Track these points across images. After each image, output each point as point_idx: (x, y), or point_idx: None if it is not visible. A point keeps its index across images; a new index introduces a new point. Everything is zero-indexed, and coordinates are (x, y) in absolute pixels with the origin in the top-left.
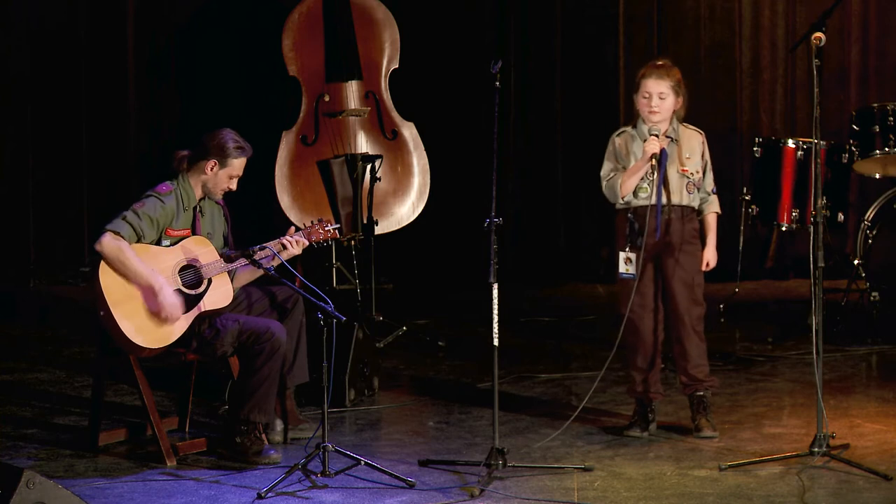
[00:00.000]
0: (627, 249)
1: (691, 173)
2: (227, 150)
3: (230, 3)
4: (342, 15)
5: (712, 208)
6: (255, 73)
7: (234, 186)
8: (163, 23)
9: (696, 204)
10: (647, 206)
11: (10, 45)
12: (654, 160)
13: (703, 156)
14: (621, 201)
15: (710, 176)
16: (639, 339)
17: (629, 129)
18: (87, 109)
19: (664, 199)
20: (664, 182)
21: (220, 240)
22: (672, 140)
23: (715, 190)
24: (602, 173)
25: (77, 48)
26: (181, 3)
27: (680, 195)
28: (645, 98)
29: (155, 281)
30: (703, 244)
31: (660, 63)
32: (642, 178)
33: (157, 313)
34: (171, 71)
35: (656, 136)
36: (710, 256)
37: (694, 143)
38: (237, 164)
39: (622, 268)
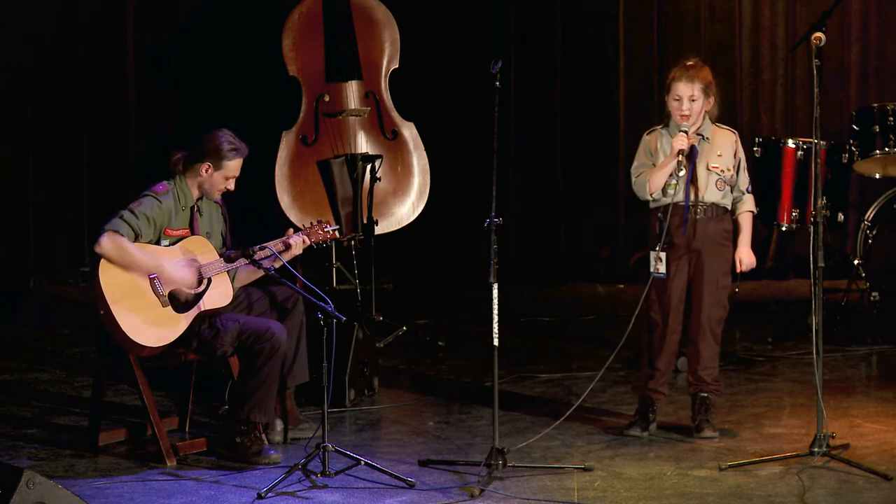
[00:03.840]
0: (658, 249)
1: (721, 170)
2: (221, 152)
3: (230, 3)
4: (342, 15)
5: (746, 207)
6: (255, 73)
7: (231, 187)
8: (163, 23)
9: (727, 203)
10: (675, 204)
11: (9, 45)
12: (681, 156)
13: (735, 154)
14: (650, 198)
15: (744, 175)
16: (655, 337)
17: (660, 128)
18: (87, 109)
19: (692, 197)
20: (693, 179)
21: (218, 239)
22: (703, 138)
23: (751, 189)
24: (632, 169)
25: (77, 48)
26: (181, 3)
27: (709, 192)
28: (676, 101)
29: (159, 266)
30: (736, 244)
31: (690, 64)
32: (671, 176)
33: (162, 311)
34: (171, 71)
35: (685, 132)
36: (743, 255)
37: (726, 142)
38: (232, 166)
39: (653, 267)
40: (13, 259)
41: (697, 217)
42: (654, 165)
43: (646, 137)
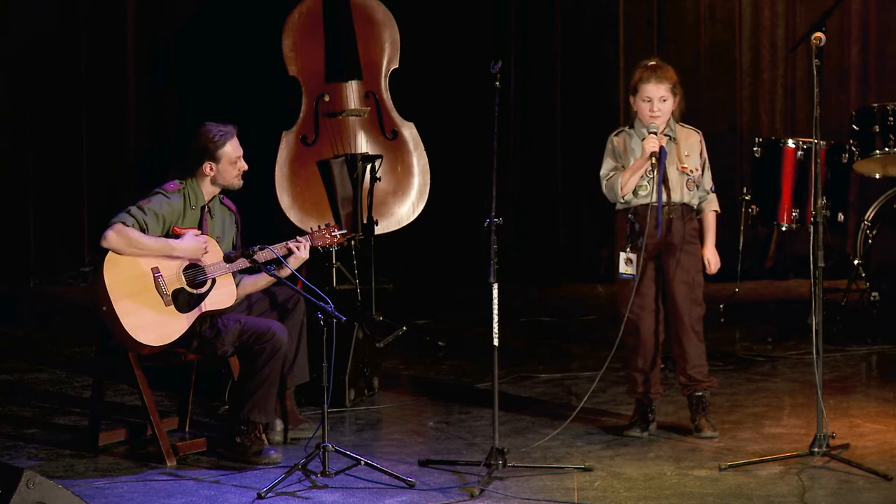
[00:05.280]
0: (628, 250)
1: (691, 170)
2: (212, 145)
3: (230, 4)
4: (342, 15)
5: (711, 207)
6: (255, 73)
7: (243, 167)
8: (163, 23)
9: (695, 202)
10: (647, 205)
11: (9, 46)
12: (653, 158)
13: (701, 154)
14: (621, 201)
15: (708, 174)
16: (639, 339)
17: (627, 128)
18: (87, 109)
19: (665, 198)
20: (664, 180)
21: (229, 246)
22: (670, 138)
23: (714, 188)
24: (602, 173)
25: (77, 48)
26: (181, 3)
27: (680, 193)
28: (645, 102)
29: (170, 247)
30: (703, 243)
31: (653, 64)
32: (642, 177)
33: (163, 312)
34: (171, 71)
35: (655, 133)
36: (710, 255)
37: (692, 142)
38: (229, 151)
39: (622, 268)
40: (13, 259)
41: (670, 217)
42: (624, 167)
43: (613, 139)
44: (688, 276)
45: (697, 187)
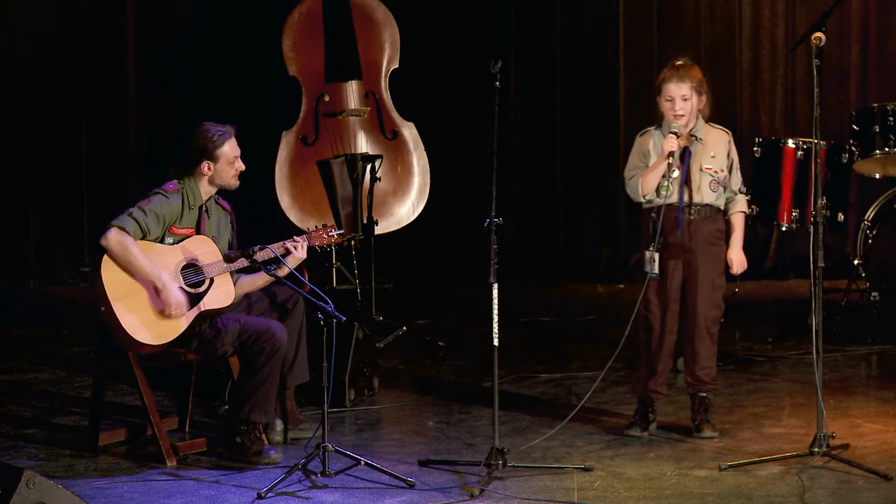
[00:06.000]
0: (652, 248)
1: (715, 171)
2: (210, 145)
3: (230, 4)
4: (342, 15)
5: (738, 207)
6: (254, 73)
7: (240, 167)
8: (163, 23)
9: (720, 203)
10: (668, 205)
11: (9, 45)
12: (671, 158)
13: (728, 155)
14: (643, 199)
15: (737, 175)
16: (650, 338)
17: (653, 129)
18: (87, 109)
19: (686, 198)
20: (686, 180)
21: (225, 245)
22: (696, 139)
23: (743, 189)
24: (625, 172)
25: (77, 48)
26: (181, 4)
27: (703, 193)
28: (668, 101)
29: (158, 278)
30: (729, 244)
31: (679, 63)
32: (664, 177)
33: (161, 311)
34: (171, 71)
35: (675, 134)
36: (734, 257)
37: (719, 142)
38: (227, 150)
39: (647, 267)
40: (13, 259)
41: (691, 218)
42: (647, 167)
43: (638, 139)
44: (708, 278)
45: (724, 189)
